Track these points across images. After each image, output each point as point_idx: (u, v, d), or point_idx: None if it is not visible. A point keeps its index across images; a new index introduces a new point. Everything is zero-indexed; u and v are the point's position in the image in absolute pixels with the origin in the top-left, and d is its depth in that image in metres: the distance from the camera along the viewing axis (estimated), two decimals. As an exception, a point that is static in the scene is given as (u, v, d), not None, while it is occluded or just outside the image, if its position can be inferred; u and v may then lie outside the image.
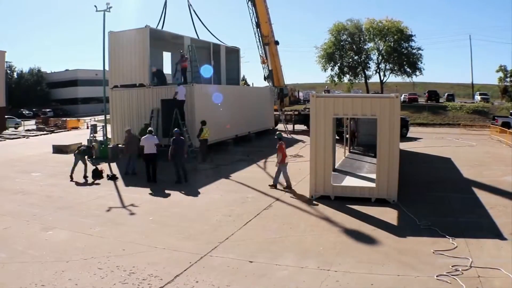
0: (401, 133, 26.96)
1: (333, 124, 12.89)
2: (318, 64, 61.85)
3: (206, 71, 24.49)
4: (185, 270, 7.31)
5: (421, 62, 57.76)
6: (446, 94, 62.93)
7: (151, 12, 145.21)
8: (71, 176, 15.73)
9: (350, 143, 21.04)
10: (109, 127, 22.72)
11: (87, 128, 36.44)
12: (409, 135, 28.97)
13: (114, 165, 18.30)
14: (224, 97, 22.89)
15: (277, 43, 37.65)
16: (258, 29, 36.06)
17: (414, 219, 9.97)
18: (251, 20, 36.21)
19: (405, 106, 43.62)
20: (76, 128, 41.33)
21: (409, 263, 7.42)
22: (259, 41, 36.45)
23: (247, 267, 7.48)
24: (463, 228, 9.32)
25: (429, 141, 27.11)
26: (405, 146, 22.97)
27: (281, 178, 13.67)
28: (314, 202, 11.77)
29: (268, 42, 35.98)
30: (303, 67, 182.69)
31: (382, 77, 60.65)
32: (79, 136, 29.82)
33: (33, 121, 47.53)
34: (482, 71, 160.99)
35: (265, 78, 38.27)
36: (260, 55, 37.25)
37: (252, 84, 47.48)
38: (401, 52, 57.18)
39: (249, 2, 35.65)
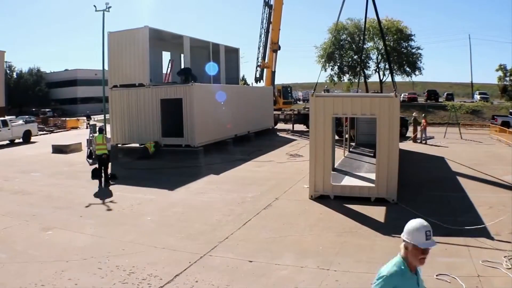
0: (400, 133, 27.30)
1: (333, 123, 12.89)
2: (318, 64, 62.04)
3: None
4: (184, 270, 7.31)
5: (421, 62, 57.94)
6: (445, 93, 63.00)
7: (151, 12, 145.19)
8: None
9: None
10: (108, 127, 22.73)
11: (87, 128, 36.46)
12: (408, 134, 28.99)
13: (114, 165, 18.27)
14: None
15: (279, 48, 37.89)
16: (267, 34, 36.28)
17: (411, 218, 9.97)
18: (262, 24, 36.42)
19: (404, 106, 43.64)
20: (75, 128, 41.30)
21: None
22: (263, 45, 36.65)
23: (247, 267, 7.48)
24: (462, 227, 9.32)
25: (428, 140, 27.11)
26: (405, 146, 23.01)
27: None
28: (314, 201, 11.78)
29: (276, 49, 36.29)
30: (303, 67, 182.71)
31: (381, 77, 60.78)
32: (78, 136, 29.81)
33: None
34: (481, 70, 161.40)
35: (256, 80, 38.47)
36: (260, 58, 37.37)
37: (252, 84, 47.53)
38: (400, 51, 57.23)
39: (266, 6, 35.87)
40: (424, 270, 7.13)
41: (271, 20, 35.86)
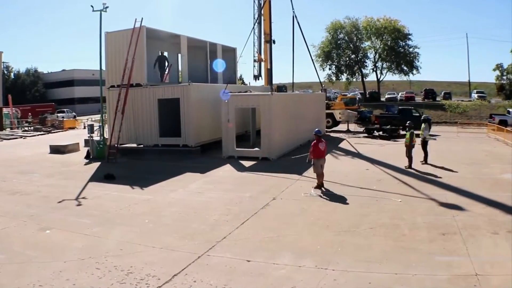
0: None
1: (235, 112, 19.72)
2: (315, 63, 62.00)
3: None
4: (182, 270, 7.30)
5: (418, 61, 58.04)
6: (443, 92, 63.14)
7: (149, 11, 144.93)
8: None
9: None
10: (106, 127, 22.71)
11: (84, 128, 36.40)
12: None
13: (111, 165, 18.27)
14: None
15: (274, 42, 37.70)
16: (259, 26, 36.06)
17: (412, 217, 10.02)
18: (254, 15, 36.23)
19: (403, 105, 43.73)
20: (73, 128, 41.23)
21: (406, 262, 7.44)
22: (258, 39, 36.45)
23: (245, 266, 7.48)
24: (460, 226, 9.35)
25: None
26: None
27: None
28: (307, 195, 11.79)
29: (268, 40, 36.01)
30: (300, 66, 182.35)
31: (379, 76, 60.86)
32: (76, 136, 29.77)
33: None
34: (479, 69, 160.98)
35: (255, 77, 38.29)
36: (256, 53, 37.20)
37: (249, 83, 47.54)
38: (398, 50, 57.31)
39: None
40: (422, 270, 7.20)
41: (262, 11, 35.70)
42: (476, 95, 57.63)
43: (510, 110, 36.48)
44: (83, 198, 12.80)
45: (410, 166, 16.53)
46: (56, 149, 23.01)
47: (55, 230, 9.69)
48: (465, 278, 6.74)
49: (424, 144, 17.61)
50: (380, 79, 61.44)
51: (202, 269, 7.37)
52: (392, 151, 21.50)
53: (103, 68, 22.37)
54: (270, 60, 35.78)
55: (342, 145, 24.58)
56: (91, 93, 65.71)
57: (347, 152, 21.40)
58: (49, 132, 37.87)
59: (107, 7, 20.72)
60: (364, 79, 62.40)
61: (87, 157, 20.84)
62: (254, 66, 37.86)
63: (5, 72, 67.68)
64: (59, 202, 12.29)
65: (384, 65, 59.87)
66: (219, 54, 28.26)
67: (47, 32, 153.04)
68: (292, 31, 34.26)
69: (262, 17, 35.65)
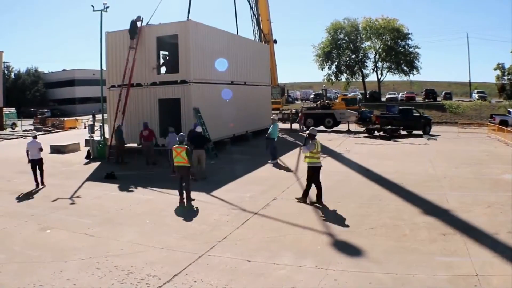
0: (424, 131, 28.12)
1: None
2: (315, 63, 62.02)
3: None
4: (183, 270, 7.31)
5: (418, 61, 57.96)
6: (443, 92, 63.13)
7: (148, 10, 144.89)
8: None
9: None
10: (106, 127, 22.70)
11: (85, 128, 36.41)
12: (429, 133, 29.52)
13: (111, 165, 18.27)
14: (220, 97, 22.94)
15: (275, 41, 37.69)
16: (258, 27, 36.08)
17: (412, 218, 10.02)
18: (251, 17, 36.24)
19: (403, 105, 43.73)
20: (73, 128, 41.22)
21: (407, 262, 7.43)
22: (258, 39, 36.44)
23: (245, 266, 7.48)
24: (460, 226, 9.34)
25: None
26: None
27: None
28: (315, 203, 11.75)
29: (268, 40, 35.98)
30: (300, 66, 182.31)
31: (379, 76, 60.81)
32: (76, 136, 29.77)
33: (30, 121, 47.46)
34: (479, 69, 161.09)
35: None
36: None
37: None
38: (398, 50, 57.24)
39: None
40: (422, 270, 7.20)
41: (259, 12, 35.69)
42: (476, 95, 57.61)
43: (511, 110, 36.45)
44: (83, 198, 12.80)
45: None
46: (56, 149, 22.99)
47: (55, 230, 9.69)
48: (465, 278, 6.74)
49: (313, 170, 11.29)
50: (381, 79, 61.40)
51: (202, 269, 7.37)
52: (392, 151, 21.54)
53: (104, 68, 22.37)
54: (269, 59, 35.73)
55: (343, 145, 24.57)
56: (91, 93, 65.77)
57: (347, 152, 21.40)
58: (49, 132, 37.87)
59: (107, 7, 20.73)
60: (365, 79, 62.38)
61: (87, 157, 20.83)
62: None
63: (6, 72, 67.74)
64: (60, 202, 12.31)
65: (385, 65, 59.85)
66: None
67: (48, 32, 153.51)
68: None
69: (260, 17, 35.72)
